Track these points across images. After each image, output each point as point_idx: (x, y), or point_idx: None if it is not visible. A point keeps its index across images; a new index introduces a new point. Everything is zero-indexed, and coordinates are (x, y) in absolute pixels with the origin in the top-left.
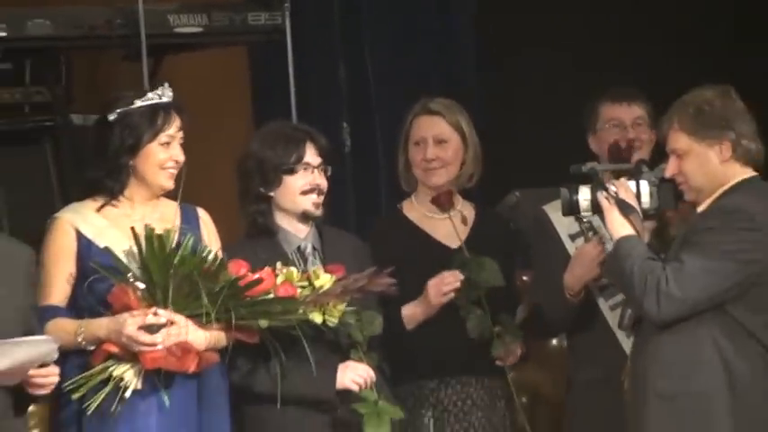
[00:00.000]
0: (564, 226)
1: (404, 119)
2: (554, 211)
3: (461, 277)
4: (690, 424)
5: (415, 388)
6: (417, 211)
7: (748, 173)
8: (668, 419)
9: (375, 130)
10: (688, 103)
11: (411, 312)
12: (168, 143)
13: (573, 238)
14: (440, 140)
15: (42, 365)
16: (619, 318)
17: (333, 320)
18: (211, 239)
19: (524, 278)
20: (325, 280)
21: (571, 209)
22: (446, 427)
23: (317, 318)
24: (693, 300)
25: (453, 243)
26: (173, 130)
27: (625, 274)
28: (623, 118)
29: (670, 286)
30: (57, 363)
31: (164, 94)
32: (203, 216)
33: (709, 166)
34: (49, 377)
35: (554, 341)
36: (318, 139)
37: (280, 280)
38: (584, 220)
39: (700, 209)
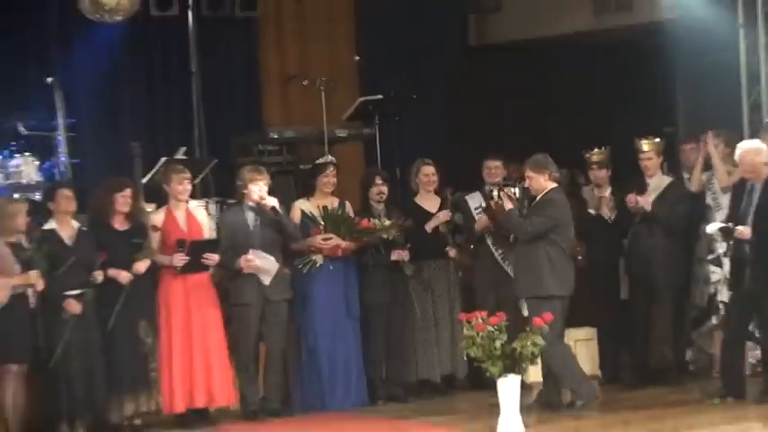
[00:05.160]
0: (473, 201)
1: (414, 165)
2: (470, 199)
3: (449, 215)
4: (538, 276)
5: (424, 262)
6: (420, 200)
7: (554, 185)
8: (530, 278)
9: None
10: (532, 160)
11: (429, 225)
12: (327, 177)
13: (477, 209)
14: (433, 174)
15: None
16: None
17: (391, 236)
18: (350, 211)
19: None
20: (387, 223)
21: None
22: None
23: (384, 235)
24: (536, 232)
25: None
26: (328, 174)
27: (512, 223)
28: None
29: (527, 228)
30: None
31: (329, 160)
32: (348, 204)
33: (540, 182)
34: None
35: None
36: (380, 173)
37: (371, 222)
38: (482, 205)
39: (537, 199)
